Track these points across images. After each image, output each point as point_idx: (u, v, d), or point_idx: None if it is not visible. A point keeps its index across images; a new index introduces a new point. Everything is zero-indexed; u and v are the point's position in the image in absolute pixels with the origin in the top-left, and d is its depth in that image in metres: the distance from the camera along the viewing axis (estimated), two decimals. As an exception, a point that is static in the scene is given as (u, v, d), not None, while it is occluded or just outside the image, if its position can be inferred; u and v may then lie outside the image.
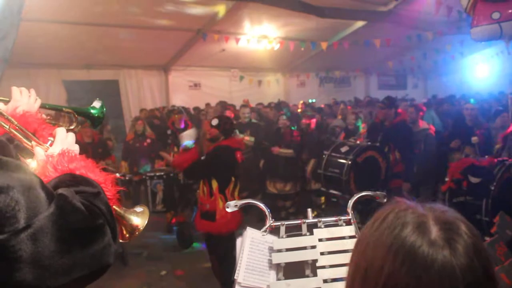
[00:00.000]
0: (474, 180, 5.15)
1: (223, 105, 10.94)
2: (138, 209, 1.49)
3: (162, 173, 6.60)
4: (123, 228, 1.46)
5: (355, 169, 5.98)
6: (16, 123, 1.31)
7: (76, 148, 1.36)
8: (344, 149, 6.30)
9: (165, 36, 10.61)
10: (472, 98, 10.69)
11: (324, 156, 6.48)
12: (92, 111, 1.79)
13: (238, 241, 1.86)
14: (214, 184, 4.69)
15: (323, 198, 7.49)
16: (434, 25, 10.48)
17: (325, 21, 10.18)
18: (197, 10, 9.47)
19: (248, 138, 7.60)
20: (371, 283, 0.83)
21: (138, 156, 8.34)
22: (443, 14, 8.68)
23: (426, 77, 18.81)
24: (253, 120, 8.63)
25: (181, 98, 13.10)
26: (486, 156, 5.60)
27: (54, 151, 1.29)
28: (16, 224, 0.93)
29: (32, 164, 1.34)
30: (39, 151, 1.31)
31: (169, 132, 7.91)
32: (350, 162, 5.98)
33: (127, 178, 7.37)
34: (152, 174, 6.63)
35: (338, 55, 12.57)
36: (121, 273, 5.50)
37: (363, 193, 1.99)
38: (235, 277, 1.77)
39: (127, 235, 1.47)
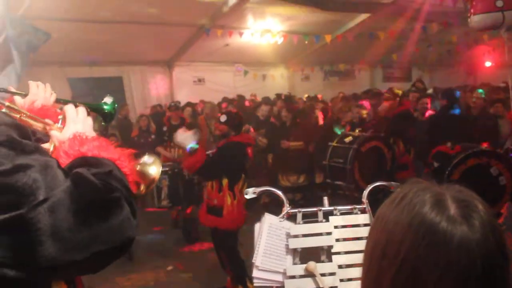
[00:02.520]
0: (435, 164, 5.53)
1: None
2: (148, 159, 1.55)
3: (167, 169, 6.60)
4: (140, 183, 1.51)
5: (359, 158, 5.97)
6: (28, 113, 1.34)
7: (89, 123, 1.38)
8: (348, 139, 6.30)
9: (169, 32, 10.60)
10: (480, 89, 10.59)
11: (329, 147, 6.46)
12: (104, 107, 1.79)
13: (256, 226, 1.90)
14: (224, 181, 4.65)
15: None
16: (439, 16, 10.39)
17: (329, 14, 10.13)
18: (200, 5, 9.44)
19: (261, 138, 7.59)
20: (390, 257, 0.87)
21: (142, 152, 8.34)
22: (448, 5, 8.60)
23: (431, 69, 18.69)
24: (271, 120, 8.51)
25: (185, 93, 13.08)
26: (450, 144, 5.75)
27: (68, 132, 1.30)
28: (35, 201, 0.96)
29: (49, 147, 1.35)
30: (54, 134, 1.33)
31: (164, 128, 7.88)
32: (353, 151, 5.96)
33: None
34: (157, 169, 6.63)
35: (342, 48, 12.50)
36: (126, 268, 5.51)
37: (378, 183, 2.03)
38: (253, 261, 1.82)
39: (143, 189, 1.54)
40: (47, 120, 1.37)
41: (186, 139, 4.64)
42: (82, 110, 1.39)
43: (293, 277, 1.79)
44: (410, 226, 0.85)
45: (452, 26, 10.77)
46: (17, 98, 1.40)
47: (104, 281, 5.10)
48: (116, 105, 1.80)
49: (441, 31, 11.01)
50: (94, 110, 1.78)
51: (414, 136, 6.54)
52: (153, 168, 1.54)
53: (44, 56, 10.04)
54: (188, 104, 10.17)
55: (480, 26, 3.83)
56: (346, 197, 6.22)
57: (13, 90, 1.56)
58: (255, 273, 1.80)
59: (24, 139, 1.05)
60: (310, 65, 15.29)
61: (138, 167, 1.52)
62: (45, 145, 1.36)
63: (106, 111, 1.79)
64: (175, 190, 6.57)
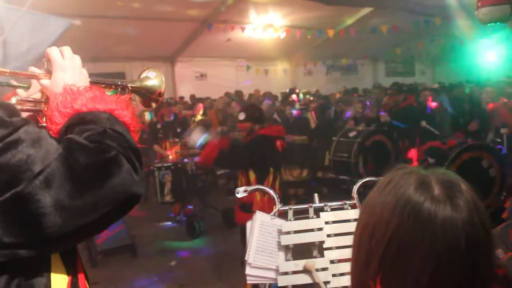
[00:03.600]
0: (431, 160, 5.53)
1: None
2: (151, 73, 1.50)
3: (170, 164, 6.60)
4: (147, 99, 1.50)
5: (364, 152, 5.97)
6: (9, 71, 1.26)
7: (77, 63, 1.30)
8: (352, 133, 6.30)
9: (171, 27, 10.59)
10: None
11: (333, 141, 6.47)
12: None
13: (248, 224, 1.90)
14: (252, 176, 4.53)
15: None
16: (442, 9, 10.33)
17: (331, 8, 10.09)
18: (202, 0, 9.42)
19: None
20: (378, 237, 0.90)
21: (146, 147, 8.36)
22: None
23: (434, 63, 18.62)
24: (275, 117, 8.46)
25: (187, 89, 13.10)
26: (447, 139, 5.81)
27: (57, 81, 1.23)
28: (32, 175, 0.97)
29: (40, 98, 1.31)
30: (44, 83, 1.26)
31: (158, 126, 7.84)
32: (357, 145, 5.97)
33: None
34: (160, 165, 6.64)
35: (345, 42, 12.47)
36: (130, 264, 5.54)
37: (367, 179, 2.06)
38: (245, 258, 1.82)
39: (153, 103, 1.51)
40: (32, 70, 1.30)
41: (195, 135, 4.57)
42: (67, 50, 1.30)
43: (285, 273, 1.81)
44: (396, 207, 0.89)
45: (455, 20, 10.70)
46: (20, 91, 1.39)
47: (109, 276, 5.12)
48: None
49: (444, 25, 10.94)
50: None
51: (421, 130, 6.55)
52: (157, 80, 1.49)
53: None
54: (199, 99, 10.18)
55: (487, 18, 3.79)
56: (351, 191, 6.20)
57: (15, 83, 1.55)
58: (248, 271, 1.81)
59: (12, 117, 1.04)
60: (313, 60, 15.25)
61: (143, 83, 1.49)
62: (36, 96, 1.32)
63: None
64: (178, 186, 6.58)
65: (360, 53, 15.67)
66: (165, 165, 6.61)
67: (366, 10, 11.15)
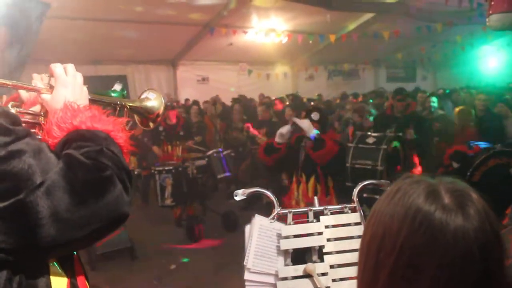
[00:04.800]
0: (455, 165, 5.40)
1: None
2: (151, 95, 1.55)
3: (171, 167, 6.60)
4: (145, 119, 1.55)
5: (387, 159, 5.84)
6: (12, 82, 1.30)
7: (79, 81, 1.34)
8: (370, 140, 6.10)
9: (173, 30, 10.61)
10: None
11: (350, 147, 6.23)
12: (112, 94, 1.75)
13: (247, 228, 1.88)
14: (330, 182, 4.34)
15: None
16: (444, 15, 10.36)
17: (333, 13, 10.11)
18: (204, 4, 9.44)
19: (260, 137, 7.56)
20: (387, 249, 0.88)
21: (146, 151, 8.37)
22: (453, 4, 8.56)
23: (435, 69, 18.63)
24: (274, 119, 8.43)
25: (189, 92, 13.12)
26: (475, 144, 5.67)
27: (58, 97, 1.26)
28: (33, 185, 0.99)
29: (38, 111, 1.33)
30: (45, 97, 1.29)
31: (160, 128, 7.84)
32: (383, 152, 5.80)
33: (135, 173, 7.40)
34: (160, 168, 6.64)
35: (347, 47, 12.49)
36: (130, 267, 5.53)
37: (368, 182, 2.02)
38: (244, 263, 1.80)
39: (151, 123, 1.55)
40: (35, 84, 1.33)
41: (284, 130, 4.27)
42: (71, 67, 1.35)
43: (285, 278, 1.78)
44: (406, 217, 0.87)
45: (456, 26, 10.72)
46: (22, 92, 1.40)
47: (108, 279, 5.11)
48: (125, 92, 1.74)
49: (445, 31, 10.96)
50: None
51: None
52: (156, 102, 1.54)
53: (48, 55, 10.09)
54: (194, 103, 10.18)
55: (498, 26, 3.75)
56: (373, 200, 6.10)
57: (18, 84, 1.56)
58: (247, 276, 1.79)
59: (15, 125, 1.06)
60: (314, 64, 15.27)
61: (142, 103, 1.52)
62: (35, 108, 1.35)
63: None
64: (179, 189, 6.57)
65: (361, 58, 15.70)
66: (165, 168, 6.60)
67: (368, 16, 11.17)
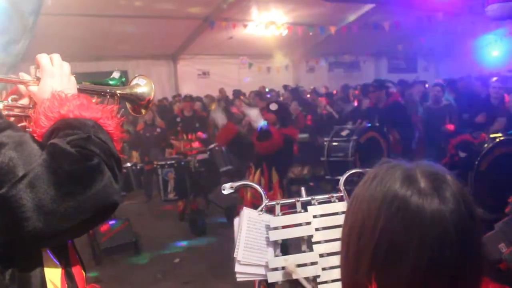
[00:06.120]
0: (462, 154, 5.45)
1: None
2: (141, 81, 1.53)
3: (173, 162, 6.62)
4: (137, 106, 1.54)
5: (359, 150, 5.93)
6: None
7: (66, 71, 1.32)
8: (344, 132, 6.24)
9: (173, 25, 10.59)
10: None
11: (325, 143, 6.37)
12: (110, 82, 1.74)
13: (236, 221, 1.89)
14: (275, 177, 4.40)
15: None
16: (444, 5, 10.30)
17: (333, 4, 10.07)
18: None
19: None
20: (368, 234, 0.90)
21: (148, 146, 8.39)
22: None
23: (436, 60, 18.54)
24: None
25: (190, 87, 13.09)
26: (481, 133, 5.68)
27: (45, 87, 1.25)
28: (15, 178, 0.97)
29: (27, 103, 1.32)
30: (32, 89, 1.28)
31: (178, 119, 7.90)
32: (353, 143, 5.92)
33: (138, 167, 7.43)
34: (163, 162, 6.65)
35: (347, 39, 12.45)
36: (134, 261, 5.56)
37: (354, 170, 2.06)
38: (234, 255, 1.81)
39: (143, 110, 1.55)
40: (21, 76, 1.32)
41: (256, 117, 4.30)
42: (57, 57, 1.33)
43: (275, 269, 1.80)
44: (383, 203, 0.89)
45: (457, 15, 10.66)
46: (21, 87, 1.41)
47: (112, 274, 5.14)
48: (124, 79, 1.68)
49: (446, 21, 10.90)
50: (100, 85, 1.69)
51: (413, 124, 6.57)
52: (147, 88, 1.52)
53: (49, 51, 10.08)
54: (197, 98, 10.20)
55: (497, 15, 3.76)
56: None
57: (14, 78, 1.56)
58: (237, 268, 1.80)
59: None
60: (315, 56, 15.23)
61: (132, 90, 1.51)
62: (23, 101, 1.34)
63: (113, 86, 1.68)
64: (182, 183, 6.59)
65: (362, 50, 15.64)
66: (168, 162, 6.63)
67: (368, 7, 11.12)
